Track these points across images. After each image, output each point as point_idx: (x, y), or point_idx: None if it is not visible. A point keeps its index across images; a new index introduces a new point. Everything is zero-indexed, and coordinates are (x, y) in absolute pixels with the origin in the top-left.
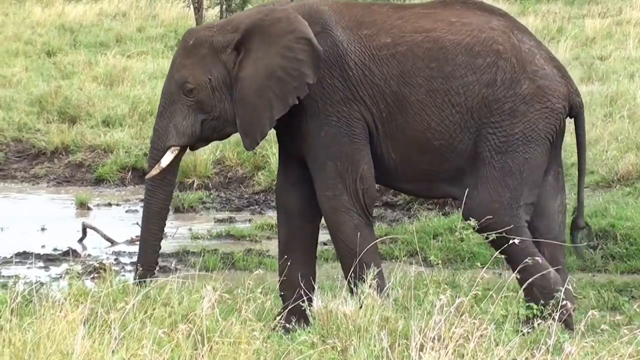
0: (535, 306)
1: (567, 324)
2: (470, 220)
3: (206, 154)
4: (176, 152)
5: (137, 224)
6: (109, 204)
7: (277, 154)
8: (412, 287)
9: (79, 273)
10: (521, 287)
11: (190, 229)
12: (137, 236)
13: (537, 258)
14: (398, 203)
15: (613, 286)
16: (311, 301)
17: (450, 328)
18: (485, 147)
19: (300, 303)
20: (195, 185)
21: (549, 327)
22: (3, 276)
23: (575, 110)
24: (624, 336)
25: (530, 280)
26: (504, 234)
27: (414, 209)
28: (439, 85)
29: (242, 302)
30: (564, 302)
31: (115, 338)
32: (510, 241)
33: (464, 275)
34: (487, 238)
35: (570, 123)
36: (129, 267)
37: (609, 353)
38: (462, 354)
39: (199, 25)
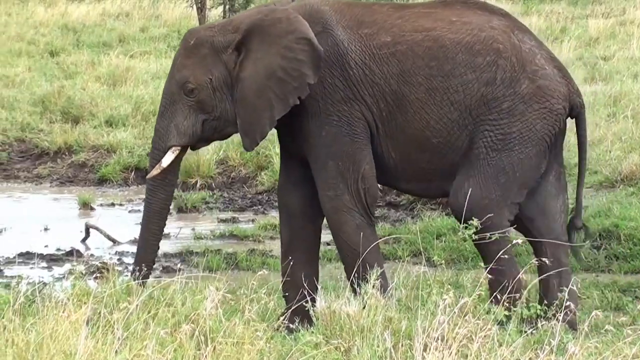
0: (539, 306)
1: (571, 325)
2: (458, 214)
3: (209, 154)
4: (177, 152)
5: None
6: (112, 204)
7: (280, 154)
8: (416, 288)
9: (82, 273)
10: (489, 286)
11: (193, 229)
12: None
13: (507, 257)
14: (401, 203)
15: (617, 286)
16: (314, 301)
17: (454, 328)
18: (481, 144)
19: (304, 303)
20: (198, 185)
21: (552, 327)
22: (6, 276)
23: (576, 111)
24: (628, 336)
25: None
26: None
27: (417, 209)
28: (439, 83)
29: (246, 303)
30: (568, 303)
31: (119, 338)
32: (487, 238)
33: (468, 275)
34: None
35: (572, 123)
36: (132, 267)
37: (613, 353)
38: (465, 355)
39: (199, 26)
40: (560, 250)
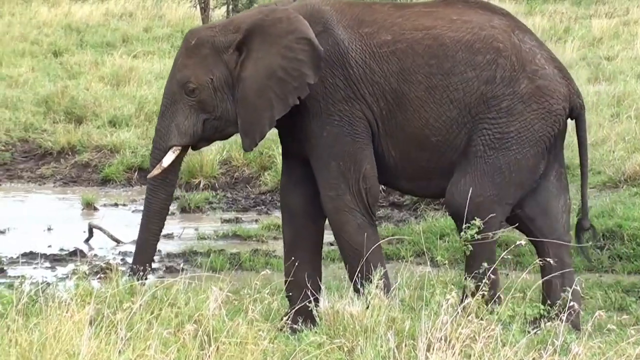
0: (542, 306)
1: (574, 325)
2: (452, 210)
3: (213, 154)
4: (178, 151)
5: None
6: (116, 204)
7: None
8: (419, 288)
9: (85, 273)
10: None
11: (196, 230)
12: None
13: (490, 264)
14: (405, 203)
15: (620, 286)
16: (318, 301)
17: (457, 328)
18: (479, 142)
19: (307, 304)
20: (201, 185)
21: (556, 327)
22: (9, 276)
23: (576, 112)
24: (631, 336)
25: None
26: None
27: (421, 209)
28: (438, 81)
29: (249, 303)
30: (571, 303)
31: (122, 338)
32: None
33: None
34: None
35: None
36: (130, 267)
37: (616, 354)
38: (469, 355)
39: (200, 26)
40: (563, 250)
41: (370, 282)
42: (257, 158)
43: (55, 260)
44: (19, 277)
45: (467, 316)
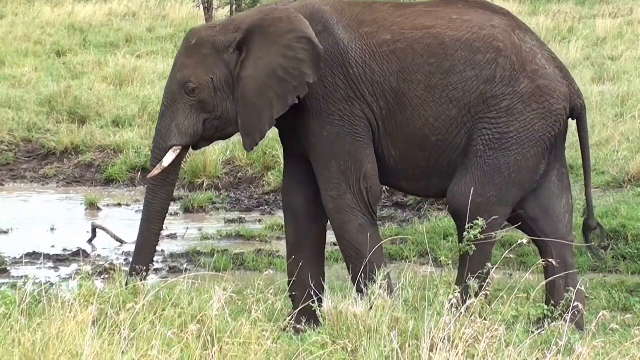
0: (546, 307)
1: (578, 325)
2: (453, 210)
3: (216, 154)
4: (178, 151)
5: None
6: (119, 204)
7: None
8: (423, 288)
9: (88, 273)
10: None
11: (200, 230)
12: None
13: (489, 265)
14: (408, 203)
15: (624, 287)
16: (321, 302)
17: (461, 329)
18: (479, 142)
19: (310, 304)
20: (205, 185)
21: (560, 327)
22: (13, 276)
23: (577, 112)
24: (635, 337)
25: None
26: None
27: (425, 209)
28: (438, 80)
29: (252, 303)
30: (575, 304)
31: (125, 339)
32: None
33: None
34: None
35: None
36: (130, 267)
37: (620, 354)
38: (472, 355)
39: (201, 25)
40: (566, 250)
41: (373, 282)
42: (260, 158)
43: (59, 260)
44: (22, 277)
45: (471, 316)
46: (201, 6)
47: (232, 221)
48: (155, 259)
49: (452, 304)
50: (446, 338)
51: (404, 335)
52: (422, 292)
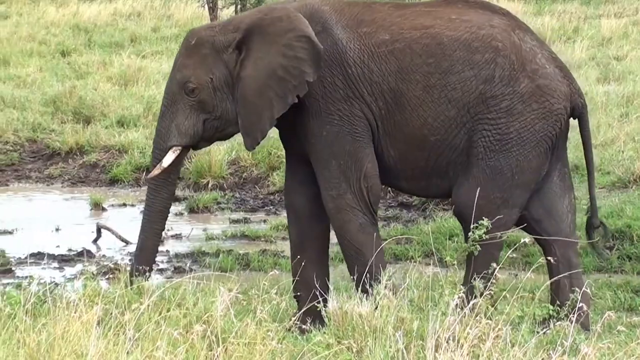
0: (551, 307)
1: (584, 325)
2: (457, 211)
3: (221, 154)
4: (178, 152)
5: None
6: (124, 205)
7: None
8: (428, 288)
9: (93, 274)
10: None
11: (205, 230)
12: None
13: (494, 265)
14: (413, 204)
15: (629, 287)
16: (326, 302)
17: (466, 329)
18: (480, 143)
19: (315, 304)
20: (210, 185)
21: (565, 328)
22: (17, 277)
23: (578, 111)
24: None
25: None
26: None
27: (430, 209)
28: (436, 80)
29: (257, 303)
30: (580, 304)
31: (130, 339)
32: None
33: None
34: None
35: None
36: (132, 267)
37: (626, 354)
38: (477, 355)
39: (200, 25)
40: (570, 250)
41: (374, 281)
42: (265, 158)
43: (64, 260)
44: (27, 277)
45: (476, 316)
46: (206, 6)
47: (237, 221)
48: (160, 259)
49: (457, 304)
50: (451, 338)
51: (409, 335)
52: (428, 292)
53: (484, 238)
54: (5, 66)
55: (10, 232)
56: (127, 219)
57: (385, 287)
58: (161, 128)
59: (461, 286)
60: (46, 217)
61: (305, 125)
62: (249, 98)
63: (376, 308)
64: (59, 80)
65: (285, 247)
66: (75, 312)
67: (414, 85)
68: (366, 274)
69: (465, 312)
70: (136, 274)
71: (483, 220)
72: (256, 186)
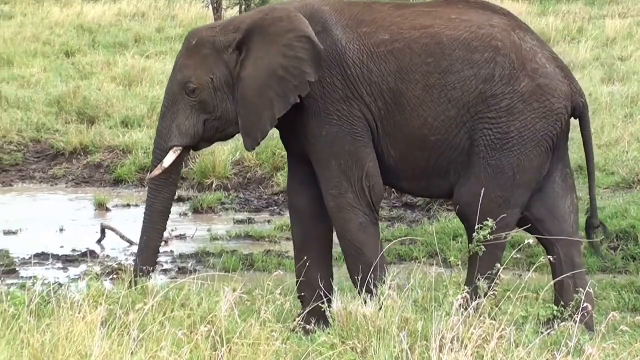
0: (555, 307)
1: (588, 325)
2: (459, 211)
3: (225, 154)
4: (178, 152)
5: None
6: (128, 205)
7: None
8: (432, 288)
9: (97, 274)
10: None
11: (209, 230)
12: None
13: (497, 265)
14: (417, 204)
15: (634, 287)
16: (330, 302)
17: (470, 329)
18: (480, 143)
19: (319, 304)
20: (214, 186)
21: (569, 328)
22: (21, 277)
23: (579, 111)
24: None
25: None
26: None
27: (434, 209)
28: (436, 80)
29: (261, 303)
30: (584, 304)
31: (134, 339)
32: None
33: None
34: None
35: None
36: (133, 268)
37: (630, 354)
38: (481, 355)
39: (201, 26)
40: (573, 250)
41: (374, 280)
42: (269, 158)
43: (68, 260)
44: (31, 277)
45: (479, 317)
46: (210, 6)
47: (241, 221)
48: (164, 259)
49: (460, 305)
50: (455, 338)
51: (414, 335)
52: (432, 292)
53: (488, 238)
54: (9, 66)
55: (14, 233)
56: (131, 219)
57: (390, 287)
58: (162, 128)
59: (465, 286)
60: (50, 218)
61: (305, 126)
62: (248, 98)
63: (380, 308)
64: (63, 80)
65: (289, 247)
66: (79, 313)
67: (413, 85)
68: (369, 274)
69: (469, 313)
70: (139, 274)
71: (485, 220)
72: (260, 186)
